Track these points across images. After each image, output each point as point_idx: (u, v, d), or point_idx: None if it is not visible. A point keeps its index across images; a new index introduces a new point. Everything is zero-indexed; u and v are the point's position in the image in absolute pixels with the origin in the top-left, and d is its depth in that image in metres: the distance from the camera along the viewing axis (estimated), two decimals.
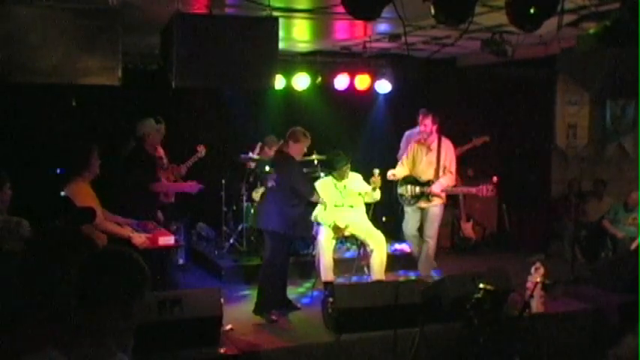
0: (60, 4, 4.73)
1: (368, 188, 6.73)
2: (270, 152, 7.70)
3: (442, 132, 7.19)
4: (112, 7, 4.92)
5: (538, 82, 9.00)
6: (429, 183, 7.00)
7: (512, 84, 9.09)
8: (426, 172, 7.04)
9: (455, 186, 7.29)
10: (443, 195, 7.05)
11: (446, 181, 7.00)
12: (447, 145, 7.11)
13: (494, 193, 7.17)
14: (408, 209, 7.14)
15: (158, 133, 6.52)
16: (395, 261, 7.52)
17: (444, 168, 7.03)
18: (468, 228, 8.99)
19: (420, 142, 7.12)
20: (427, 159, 7.06)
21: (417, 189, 7.03)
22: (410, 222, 7.17)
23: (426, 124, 7.00)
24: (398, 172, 7.17)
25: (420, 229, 7.23)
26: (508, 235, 9.27)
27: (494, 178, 7.28)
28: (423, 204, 7.06)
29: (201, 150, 7.61)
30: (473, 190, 7.18)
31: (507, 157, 9.35)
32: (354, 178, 6.92)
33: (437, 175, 7.00)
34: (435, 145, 7.06)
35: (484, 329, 5.14)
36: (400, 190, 7.14)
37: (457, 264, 8.00)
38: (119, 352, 1.92)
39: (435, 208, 7.07)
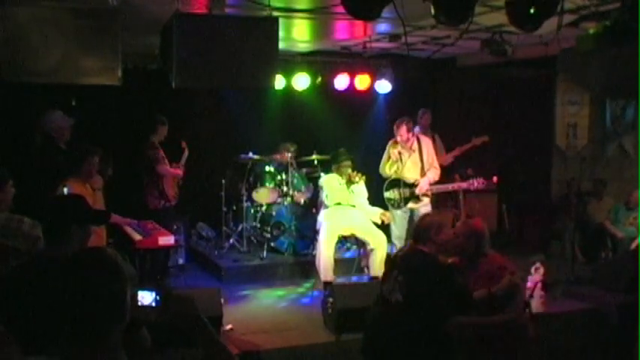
0: (60, 4, 4.72)
1: (366, 195, 6.99)
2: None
3: (436, 131, 7.20)
4: (112, 7, 4.92)
5: (538, 82, 9.00)
6: (416, 183, 7.06)
7: (512, 84, 9.08)
8: (412, 173, 7.10)
9: (443, 182, 7.36)
10: (429, 194, 7.12)
11: (432, 175, 7.12)
12: (425, 142, 7.24)
13: (484, 186, 7.24)
14: (397, 212, 7.14)
15: (69, 126, 6.09)
16: None
17: (429, 164, 7.14)
18: None
19: (401, 145, 7.12)
20: (411, 160, 7.11)
21: (407, 191, 7.06)
22: (400, 225, 7.15)
23: (402, 134, 7.04)
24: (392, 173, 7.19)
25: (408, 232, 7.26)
26: (508, 235, 9.25)
27: (494, 178, 7.29)
28: (412, 204, 7.10)
29: (184, 145, 7.53)
30: (464, 184, 7.25)
31: (507, 157, 9.34)
32: (360, 185, 7.00)
33: (423, 175, 7.08)
34: (415, 146, 7.13)
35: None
36: (387, 194, 7.16)
37: None
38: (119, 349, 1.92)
39: (425, 208, 7.10)
